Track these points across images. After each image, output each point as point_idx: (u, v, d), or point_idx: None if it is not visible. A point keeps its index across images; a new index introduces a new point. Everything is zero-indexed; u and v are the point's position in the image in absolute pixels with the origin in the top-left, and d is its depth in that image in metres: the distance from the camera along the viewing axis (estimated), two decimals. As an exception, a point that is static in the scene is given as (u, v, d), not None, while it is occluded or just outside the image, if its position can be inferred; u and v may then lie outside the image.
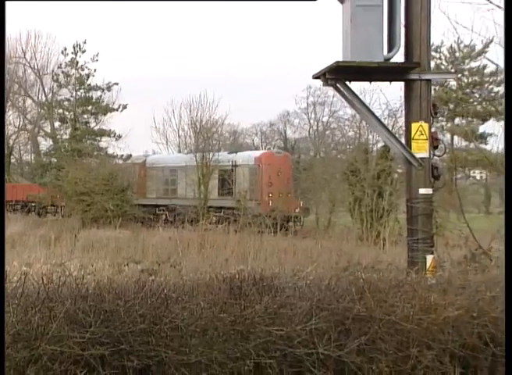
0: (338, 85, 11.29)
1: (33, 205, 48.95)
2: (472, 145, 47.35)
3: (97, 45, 68.27)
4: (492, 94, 48.20)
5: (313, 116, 54.67)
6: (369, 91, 21.97)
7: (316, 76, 11.40)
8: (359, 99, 11.70)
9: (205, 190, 38.82)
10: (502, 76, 41.73)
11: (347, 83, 11.32)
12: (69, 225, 27.75)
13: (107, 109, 56.05)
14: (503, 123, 28.44)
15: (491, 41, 14.92)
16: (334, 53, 11.09)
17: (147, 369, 6.37)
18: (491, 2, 13.41)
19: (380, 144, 29.68)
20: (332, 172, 37.00)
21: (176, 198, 39.73)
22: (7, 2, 8.36)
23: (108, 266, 15.70)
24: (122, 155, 55.16)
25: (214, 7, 76.96)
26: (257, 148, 46.87)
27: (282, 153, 43.09)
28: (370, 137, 31.91)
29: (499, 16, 13.51)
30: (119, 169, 47.53)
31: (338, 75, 11.14)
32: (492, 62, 32.66)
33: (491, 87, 48.60)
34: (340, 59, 10.97)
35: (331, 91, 11.76)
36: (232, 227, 25.49)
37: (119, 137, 55.89)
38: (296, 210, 35.14)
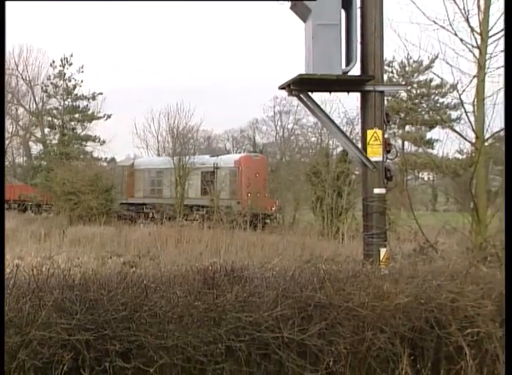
0: (301, 95, 11.33)
1: (25, 203, 48.69)
2: (420, 150, 47.82)
3: (83, 58, 68.16)
4: (438, 105, 48.76)
5: (279, 123, 54.95)
6: (329, 101, 22.05)
7: (282, 87, 11.43)
8: (320, 108, 11.75)
9: (182, 190, 38.95)
10: (446, 89, 42.11)
11: (310, 93, 11.37)
12: (58, 222, 27.63)
13: (92, 117, 56.23)
14: (447, 129, 28.80)
15: (436, 57, 15.03)
16: (298, 66, 11.13)
17: (129, 352, 6.35)
18: (436, 23, 13.55)
19: (339, 149, 29.83)
20: (297, 174, 37.12)
21: (161, 198, 39.72)
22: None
23: (93, 259, 15.68)
24: (106, 158, 55.78)
25: (192, 24, 76.78)
26: (228, 152, 46.91)
27: (260, 156, 43.15)
28: (330, 142, 32.00)
29: (444, 34, 13.67)
30: (104, 170, 47.91)
31: (301, 86, 11.18)
32: (438, 76, 33.04)
33: (437, 98, 49.21)
34: (303, 72, 11.02)
35: (295, 100, 11.81)
36: (212, 224, 25.38)
37: (103, 142, 56.14)
38: (273, 208, 35.17)
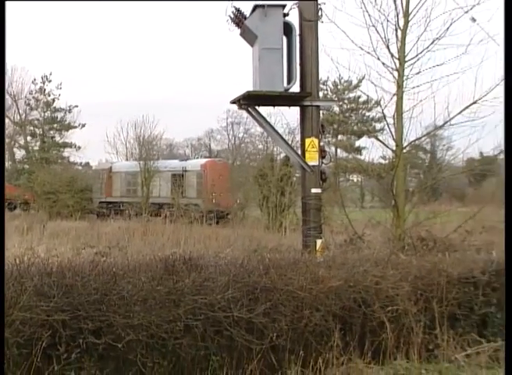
0: (249, 109, 11.32)
1: (14, 202, 48.13)
2: (350, 156, 48.30)
3: (60, 76, 67.54)
4: (365, 118, 49.42)
5: (231, 132, 55.16)
6: (273, 114, 22.12)
7: (233, 102, 11.40)
8: (265, 120, 11.75)
9: (147, 190, 39.04)
10: (371, 104, 42.59)
11: (257, 107, 11.38)
12: (39, 218, 27.27)
13: (69, 126, 56.07)
14: (372, 139, 29.20)
15: (363, 78, 15.11)
16: (246, 84, 11.15)
17: (100, 330, 6.30)
18: (362, 49, 13.71)
19: (282, 155, 29.84)
20: (246, 176, 37.18)
21: (136, 197, 39.61)
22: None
23: (68, 249, 15.49)
24: (81, 163, 55.77)
25: (156, 50, 76.48)
26: (188, 158, 46.83)
27: (223, 161, 43.27)
28: (274, 149, 32.04)
29: (369, 59, 13.82)
30: (79, 173, 48.10)
31: (249, 101, 11.17)
32: (364, 94, 33.26)
33: (364, 112, 49.83)
34: (251, 89, 11.02)
35: (245, 113, 11.79)
36: (173, 219, 25.28)
37: (79, 148, 55.89)
38: (234, 206, 35.16)
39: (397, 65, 13.66)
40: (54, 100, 55.57)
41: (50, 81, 54.85)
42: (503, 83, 13.08)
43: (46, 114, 56.06)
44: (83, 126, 55.79)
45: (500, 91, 13.14)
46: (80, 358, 6.21)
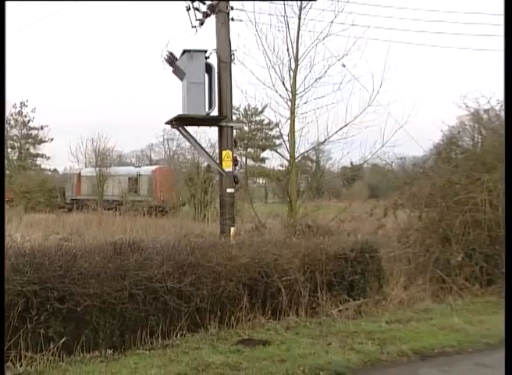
0: (180, 128, 11.24)
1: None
2: (257, 164, 48.61)
3: (35, 101, 65.37)
4: (267, 135, 49.64)
5: (167, 146, 54.55)
6: (198, 132, 21.93)
7: (167, 123, 11.29)
8: (192, 137, 11.72)
9: (102, 189, 38.72)
10: (272, 125, 42.77)
11: (185, 127, 11.35)
12: (17, 212, 26.15)
13: (41, 141, 55.22)
14: (273, 152, 29.61)
15: (266, 106, 15.39)
16: (177, 109, 11.09)
17: (63, 298, 6.22)
18: (264, 84, 13.89)
19: (205, 164, 29.71)
20: (179, 179, 36.89)
21: (99, 195, 38.91)
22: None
23: (39, 236, 14.97)
24: (50, 169, 55.01)
25: (109, 78, 74.64)
26: (134, 166, 46.12)
27: (168, 167, 42.83)
28: (199, 159, 31.83)
29: (270, 92, 14.01)
30: (49, 177, 47.41)
31: (180, 122, 11.08)
32: (267, 117, 33.84)
33: (266, 131, 49.95)
34: (181, 113, 10.94)
35: (177, 131, 11.73)
36: (129, 213, 24.67)
37: (48, 158, 54.95)
38: (178, 202, 34.63)
39: (290, 96, 13.91)
40: (29, 121, 55.03)
41: (26, 106, 54.12)
42: (367, 111, 13.58)
43: (23, 131, 55.38)
44: (52, 140, 55.10)
45: (365, 117, 13.65)
46: (48, 319, 6.15)
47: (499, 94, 13.55)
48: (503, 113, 13.63)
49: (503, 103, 13.48)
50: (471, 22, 18.41)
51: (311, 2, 13.51)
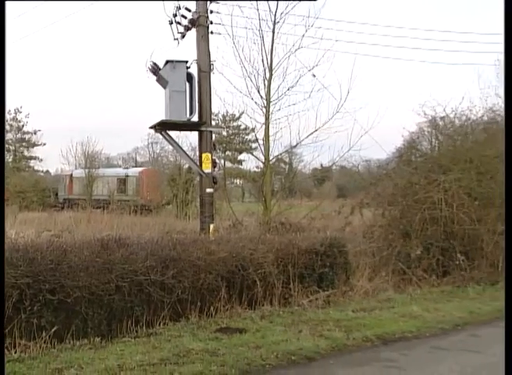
0: (163, 133, 11.24)
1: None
2: (234, 166, 48.58)
3: (29, 107, 64.16)
4: (244, 139, 49.56)
5: (151, 149, 54.15)
6: (180, 136, 21.80)
7: (151, 127, 11.25)
8: (174, 141, 11.73)
9: (91, 189, 38.39)
10: (249, 130, 42.67)
11: (168, 131, 11.34)
12: (12, 210, 25.64)
13: (34, 144, 54.95)
14: (249, 155, 29.62)
15: (243, 112, 15.36)
16: (161, 115, 11.06)
17: (54, 290, 6.19)
18: (241, 92, 13.89)
19: (187, 165, 29.58)
20: (163, 180, 36.62)
21: (89, 195, 38.54)
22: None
23: (32, 232, 14.76)
24: (43, 171, 54.69)
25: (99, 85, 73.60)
26: (122, 167, 45.76)
27: (154, 168, 42.49)
28: (182, 161, 31.67)
29: (246, 99, 14.02)
30: (41, 178, 47.06)
31: (163, 127, 11.07)
32: (243, 123, 33.67)
33: (243, 136, 49.85)
34: (164, 118, 10.91)
35: (160, 135, 11.70)
36: (117, 211, 24.39)
37: (41, 160, 54.54)
38: (163, 202, 34.39)
39: (265, 104, 13.93)
40: (23, 125, 54.69)
41: (21, 112, 53.78)
42: (335, 117, 13.70)
43: (17, 135, 55.05)
44: (44, 144, 55.04)
45: (333, 123, 13.78)
46: (41, 309, 6.12)
47: (452, 103, 13.87)
48: (457, 120, 13.93)
49: (456, 111, 13.78)
50: (429, 38, 18.65)
51: (284, 17, 13.60)
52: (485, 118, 14.14)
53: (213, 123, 12.08)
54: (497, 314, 8.41)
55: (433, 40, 19.52)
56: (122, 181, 38.33)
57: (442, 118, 14.13)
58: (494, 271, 11.23)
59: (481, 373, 5.92)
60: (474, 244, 11.52)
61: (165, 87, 10.93)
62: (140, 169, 41.51)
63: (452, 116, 13.94)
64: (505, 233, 3.78)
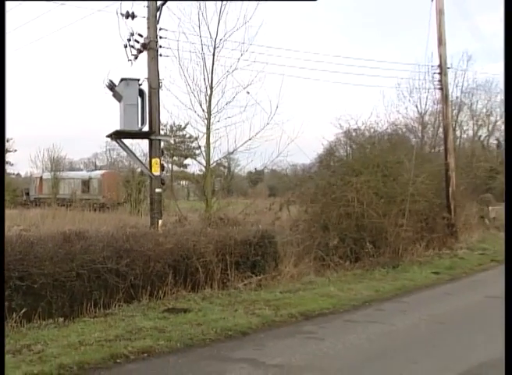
0: (118, 141, 11.13)
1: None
2: (180, 169, 48.23)
3: None
4: (189, 147, 49.12)
5: (109, 154, 53.03)
6: (134, 144, 21.42)
7: (108, 136, 11.11)
8: (128, 148, 11.66)
9: (57, 189, 37.37)
10: (193, 138, 42.08)
11: (123, 140, 11.28)
12: (-15, 209, 24.22)
13: (6, 151, 51.73)
14: (193, 160, 29.53)
15: (187, 123, 15.50)
16: (116, 125, 11.00)
17: (23, 277, 6.17)
18: (185, 106, 13.95)
19: (139, 169, 29.07)
20: (119, 181, 35.92)
21: (57, 194, 37.37)
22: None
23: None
24: (14, 173, 52.16)
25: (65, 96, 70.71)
26: (83, 170, 44.62)
27: (114, 171, 41.43)
28: (135, 165, 31.10)
29: (190, 112, 14.09)
30: (13, 180, 45.69)
31: (118, 136, 10.94)
32: (188, 133, 33.18)
33: (188, 143, 49.38)
34: (119, 128, 10.79)
35: (116, 143, 11.62)
36: (85, 209, 23.65)
37: (13, 164, 52.31)
38: (122, 200, 33.60)
39: (206, 116, 14.07)
40: None
41: None
42: (266, 128, 14.05)
43: None
44: (16, 150, 52.59)
45: (265, 133, 14.14)
46: (11, 294, 6.10)
47: (363, 117, 14.59)
48: (366, 132, 14.68)
49: (366, 124, 14.54)
50: (341, 63, 19.56)
51: (223, 43, 13.83)
52: (389, 130, 15.00)
53: (162, 132, 12.11)
54: (397, 292, 8.99)
55: (343, 64, 20.54)
56: (86, 182, 37.69)
57: (354, 130, 14.88)
58: (395, 257, 11.85)
59: (384, 338, 6.22)
60: (380, 234, 11.93)
61: (119, 101, 10.84)
62: (101, 171, 40.86)
63: (362, 128, 14.70)
64: (505, 234, 3.69)
